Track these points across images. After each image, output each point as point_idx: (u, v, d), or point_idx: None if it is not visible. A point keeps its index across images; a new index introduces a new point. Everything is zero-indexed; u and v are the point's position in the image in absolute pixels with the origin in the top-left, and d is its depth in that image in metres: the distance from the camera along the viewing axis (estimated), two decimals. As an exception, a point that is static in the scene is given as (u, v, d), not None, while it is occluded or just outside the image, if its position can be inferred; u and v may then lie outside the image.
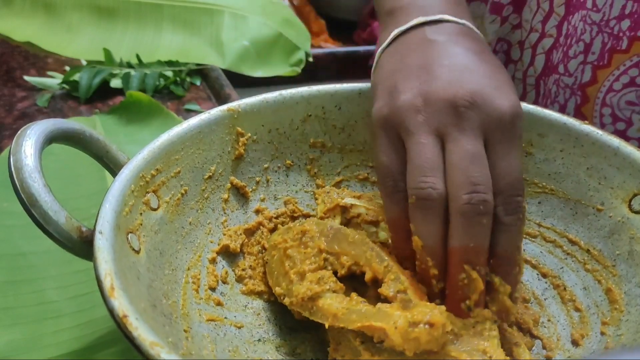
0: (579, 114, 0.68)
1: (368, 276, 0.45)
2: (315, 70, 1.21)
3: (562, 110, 0.69)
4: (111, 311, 0.35)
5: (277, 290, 0.48)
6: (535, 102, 0.74)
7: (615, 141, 0.51)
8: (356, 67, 1.33)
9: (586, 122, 0.54)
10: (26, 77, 0.97)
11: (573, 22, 0.67)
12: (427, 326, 0.38)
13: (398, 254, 0.45)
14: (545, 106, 0.71)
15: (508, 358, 0.43)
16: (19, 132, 0.44)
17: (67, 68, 1.01)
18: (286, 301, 0.46)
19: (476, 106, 0.41)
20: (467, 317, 0.42)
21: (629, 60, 0.62)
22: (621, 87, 0.64)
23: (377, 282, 0.45)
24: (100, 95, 0.92)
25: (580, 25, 0.66)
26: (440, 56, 0.46)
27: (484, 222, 0.40)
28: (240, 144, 0.56)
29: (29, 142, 0.43)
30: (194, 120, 0.53)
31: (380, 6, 0.57)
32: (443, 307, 0.40)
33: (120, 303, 0.35)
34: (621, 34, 0.62)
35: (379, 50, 0.52)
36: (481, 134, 0.41)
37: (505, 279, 0.43)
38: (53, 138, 0.46)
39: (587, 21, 0.64)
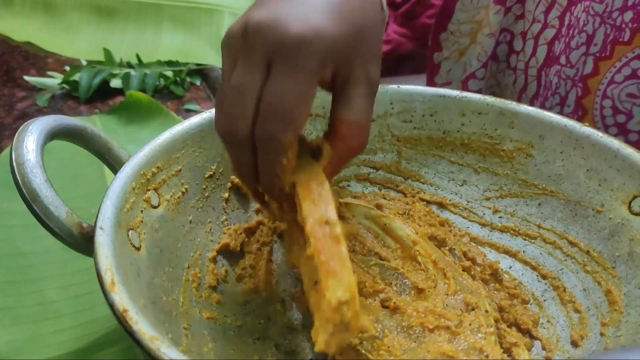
0: (579, 106, 0.68)
1: None
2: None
3: (563, 102, 0.69)
4: (111, 306, 0.35)
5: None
6: (536, 94, 0.74)
7: (616, 143, 0.51)
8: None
9: (586, 123, 0.54)
10: (26, 77, 0.97)
11: (575, 13, 0.67)
12: None
13: None
14: (546, 98, 0.72)
15: (506, 357, 0.44)
16: (21, 127, 0.44)
17: (67, 68, 1.01)
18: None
19: (261, 32, 0.39)
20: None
21: (631, 52, 0.62)
22: (622, 80, 0.64)
23: None
24: (100, 95, 0.92)
25: (582, 16, 0.65)
26: None
27: (235, 149, 0.41)
28: (241, 143, 0.56)
29: (31, 138, 0.43)
30: (195, 119, 0.53)
31: None
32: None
33: (121, 297, 0.35)
34: (624, 26, 0.62)
35: None
36: (263, 59, 0.39)
37: (269, 196, 0.44)
38: (55, 134, 0.46)
39: (590, 12, 0.64)
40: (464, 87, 0.81)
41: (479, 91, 0.80)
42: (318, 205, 0.39)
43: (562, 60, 0.69)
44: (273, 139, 0.39)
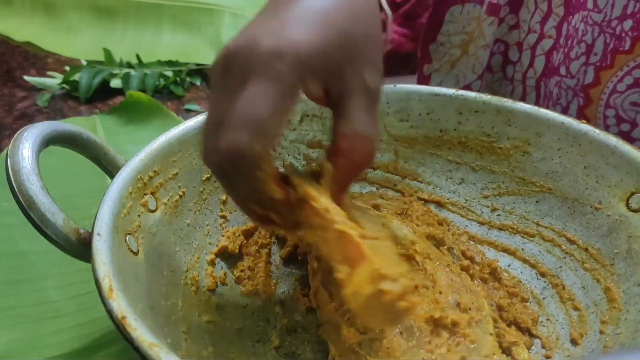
0: (582, 116, 0.67)
1: None
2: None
3: (565, 112, 0.69)
4: (110, 312, 0.35)
5: None
6: (536, 104, 0.73)
7: (613, 140, 0.51)
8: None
9: (584, 121, 0.54)
10: (26, 77, 0.97)
11: (573, 23, 0.67)
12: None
13: None
14: (547, 108, 0.71)
15: (505, 356, 0.44)
16: (16, 134, 0.44)
17: (67, 68, 1.01)
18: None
19: (237, 55, 0.37)
20: None
21: (632, 61, 0.62)
22: (625, 89, 0.63)
23: None
24: (100, 95, 0.92)
25: (581, 26, 0.65)
26: (278, 6, 0.41)
27: (223, 180, 0.39)
28: (238, 145, 0.56)
29: (26, 145, 0.43)
30: (191, 122, 0.53)
31: None
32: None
33: (119, 304, 0.35)
34: (624, 35, 0.62)
35: None
36: (239, 82, 0.37)
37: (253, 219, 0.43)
38: (50, 140, 0.46)
39: (589, 22, 0.64)
40: None
41: None
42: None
43: (562, 70, 0.68)
44: (241, 151, 0.36)
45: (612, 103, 0.65)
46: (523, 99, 0.76)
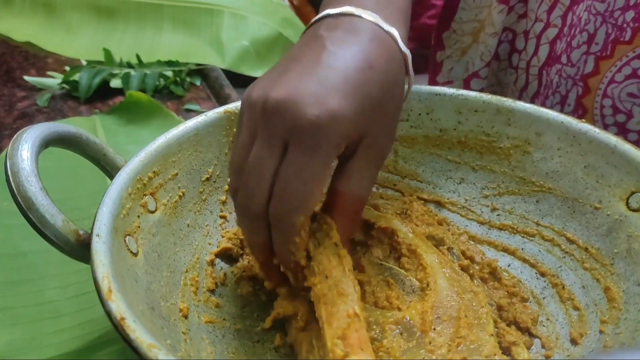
0: (579, 105, 0.68)
1: None
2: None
3: (563, 101, 0.69)
4: (109, 314, 0.35)
5: None
6: (537, 93, 0.74)
7: (613, 139, 0.51)
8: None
9: (583, 120, 0.54)
10: (26, 77, 0.97)
11: (578, 13, 0.67)
12: None
13: None
14: (546, 97, 0.71)
15: (505, 356, 0.44)
16: (15, 136, 0.44)
17: (67, 68, 1.01)
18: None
19: (280, 113, 0.40)
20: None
21: (631, 51, 0.62)
22: (623, 79, 0.63)
23: None
24: (100, 95, 0.92)
25: (584, 15, 0.65)
26: (307, 54, 0.44)
27: (248, 224, 0.43)
28: (237, 145, 0.56)
29: (25, 146, 0.43)
30: (190, 123, 0.53)
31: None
32: None
33: (118, 305, 0.35)
34: (625, 25, 0.62)
35: None
36: (281, 140, 0.40)
37: (285, 268, 0.44)
38: (49, 141, 0.46)
39: (592, 11, 0.64)
40: (466, 86, 0.81)
41: (481, 90, 0.79)
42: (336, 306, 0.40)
43: (563, 59, 0.68)
44: (285, 220, 0.41)
45: (610, 93, 0.65)
46: (525, 87, 0.76)
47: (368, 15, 0.45)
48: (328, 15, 0.47)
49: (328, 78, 0.41)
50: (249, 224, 0.43)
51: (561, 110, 0.69)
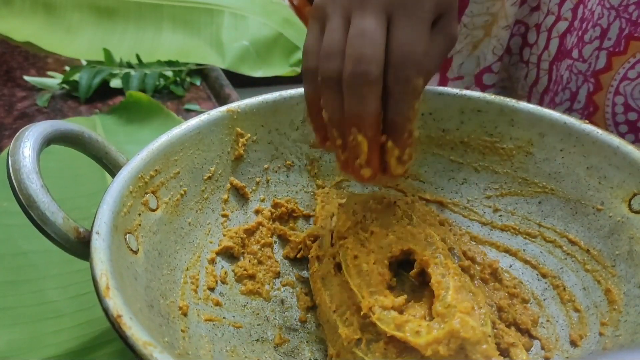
0: (590, 102, 0.67)
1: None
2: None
3: (573, 97, 0.68)
4: (106, 311, 0.35)
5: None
6: (547, 89, 0.73)
7: (615, 140, 0.51)
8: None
9: (586, 120, 0.54)
10: (26, 77, 0.97)
11: (590, 6, 0.66)
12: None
13: (315, 127, 0.49)
14: (556, 93, 0.70)
15: (503, 358, 0.43)
16: (18, 133, 0.44)
17: (67, 68, 1.01)
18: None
19: None
20: (358, 174, 0.46)
21: None
22: (636, 76, 0.62)
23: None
24: (100, 95, 0.92)
25: (597, 9, 0.64)
26: None
27: (365, 92, 0.42)
28: (240, 144, 0.56)
29: (27, 144, 0.43)
30: (193, 121, 0.53)
31: None
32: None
33: (115, 303, 0.35)
34: None
35: None
36: (383, 11, 0.42)
37: (396, 144, 0.45)
38: (51, 139, 0.46)
39: (606, 5, 0.63)
40: (478, 82, 0.80)
41: (493, 85, 0.79)
42: None
43: (575, 54, 0.67)
44: (409, 83, 0.42)
45: (622, 90, 0.64)
46: (535, 83, 0.75)
47: None
48: None
49: None
50: (366, 91, 0.42)
51: (570, 107, 0.69)
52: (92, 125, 0.81)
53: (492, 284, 0.53)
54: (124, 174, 0.46)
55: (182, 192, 0.51)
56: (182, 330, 0.44)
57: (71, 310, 0.53)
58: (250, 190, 0.58)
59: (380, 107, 0.43)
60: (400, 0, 0.42)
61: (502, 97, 0.57)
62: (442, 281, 0.44)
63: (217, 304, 0.50)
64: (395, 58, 0.42)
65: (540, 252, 0.55)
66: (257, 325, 0.50)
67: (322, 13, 0.46)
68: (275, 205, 0.58)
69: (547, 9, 0.72)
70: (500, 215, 0.58)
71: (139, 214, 0.46)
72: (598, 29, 0.64)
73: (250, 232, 0.56)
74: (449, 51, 0.47)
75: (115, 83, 0.95)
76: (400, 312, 0.43)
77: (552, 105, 0.71)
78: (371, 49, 0.41)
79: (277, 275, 0.55)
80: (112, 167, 0.51)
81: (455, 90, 0.58)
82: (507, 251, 0.56)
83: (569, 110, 0.69)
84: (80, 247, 0.42)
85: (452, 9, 0.46)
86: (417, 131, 0.45)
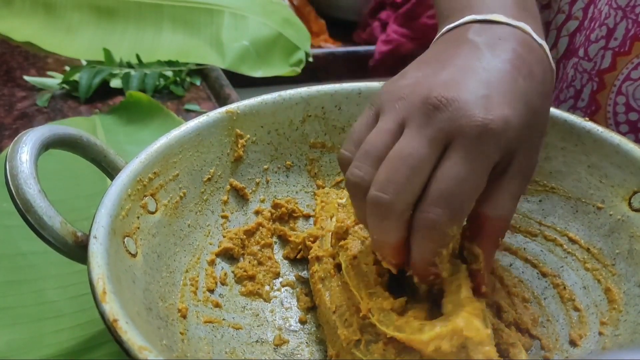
0: (593, 101, 0.67)
1: None
2: (315, 70, 1.20)
3: (577, 95, 0.68)
4: (102, 315, 0.36)
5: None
6: None
7: (616, 139, 0.51)
8: (356, 67, 1.32)
9: (586, 118, 0.53)
10: (26, 77, 0.97)
11: (599, 6, 0.66)
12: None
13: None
14: (561, 90, 0.70)
15: (502, 358, 0.43)
16: (16, 138, 0.44)
17: (67, 68, 1.01)
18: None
19: (445, 109, 0.37)
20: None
21: None
22: (639, 77, 0.63)
23: None
24: (100, 95, 0.92)
25: (605, 9, 0.64)
26: (461, 56, 0.42)
27: (384, 222, 0.38)
28: (239, 145, 0.56)
29: (25, 149, 0.44)
30: (192, 123, 0.53)
31: (440, 11, 0.52)
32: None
33: (111, 307, 0.36)
34: None
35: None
36: (442, 138, 0.37)
37: (419, 279, 0.41)
38: (50, 144, 0.46)
39: (613, 5, 0.63)
40: None
41: None
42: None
43: (581, 52, 0.67)
44: (437, 227, 0.37)
45: (624, 90, 0.64)
46: None
47: (519, 24, 0.44)
48: (474, 21, 0.45)
49: (492, 82, 0.39)
50: (386, 222, 0.38)
51: (574, 105, 0.68)
52: (92, 126, 0.81)
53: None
54: (122, 178, 0.46)
55: (182, 194, 0.51)
56: (181, 333, 0.44)
57: (71, 311, 0.53)
58: (250, 191, 0.58)
59: (405, 237, 0.39)
60: (466, 134, 0.36)
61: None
62: (452, 279, 0.42)
63: (217, 305, 0.50)
64: (431, 194, 0.37)
65: (541, 250, 0.55)
66: (257, 326, 0.50)
67: (380, 104, 0.42)
68: (275, 206, 0.58)
69: (558, 7, 0.72)
70: (501, 214, 0.58)
71: (138, 217, 0.46)
72: (604, 29, 0.64)
73: (250, 233, 0.56)
74: (520, 195, 0.42)
75: (115, 83, 0.94)
76: (401, 313, 0.43)
77: (557, 102, 0.71)
78: (404, 179, 0.37)
79: (277, 275, 0.55)
80: (110, 170, 0.51)
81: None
82: (508, 250, 0.56)
83: (572, 108, 0.69)
84: (78, 251, 0.43)
85: (525, 148, 0.41)
86: (446, 272, 0.40)
